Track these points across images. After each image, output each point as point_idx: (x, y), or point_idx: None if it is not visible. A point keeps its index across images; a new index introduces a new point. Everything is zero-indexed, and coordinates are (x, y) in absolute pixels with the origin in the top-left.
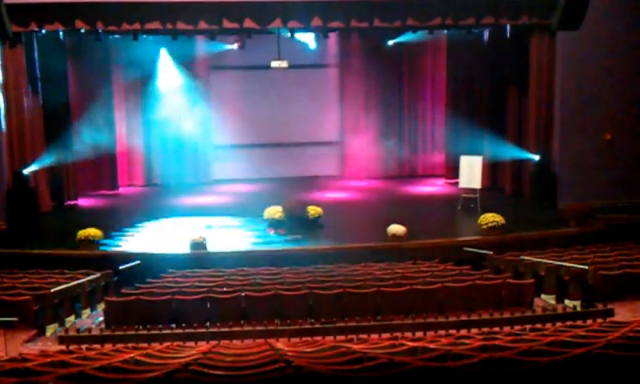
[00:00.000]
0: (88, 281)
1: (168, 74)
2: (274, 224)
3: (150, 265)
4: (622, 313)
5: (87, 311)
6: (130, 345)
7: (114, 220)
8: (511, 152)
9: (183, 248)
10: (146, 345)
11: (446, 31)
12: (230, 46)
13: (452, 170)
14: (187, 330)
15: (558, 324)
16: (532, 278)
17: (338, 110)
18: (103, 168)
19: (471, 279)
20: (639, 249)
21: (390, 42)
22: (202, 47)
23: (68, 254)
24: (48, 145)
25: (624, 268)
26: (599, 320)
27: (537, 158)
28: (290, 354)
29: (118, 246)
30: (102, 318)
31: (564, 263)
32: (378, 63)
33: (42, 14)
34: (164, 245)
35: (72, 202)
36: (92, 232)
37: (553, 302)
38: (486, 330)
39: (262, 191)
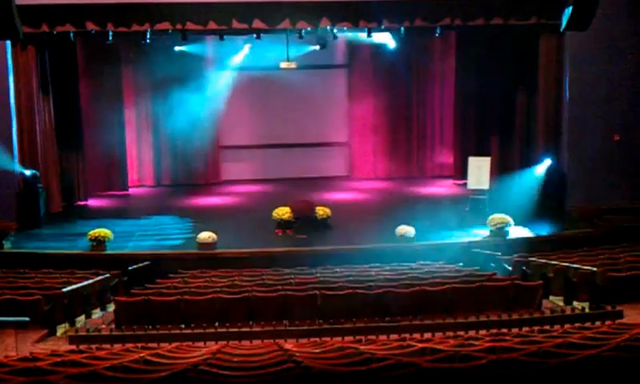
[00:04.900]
0: (98, 281)
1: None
2: (283, 225)
3: (159, 265)
4: (631, 315)
5: (97, 311)
6: (139, 345)
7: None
8: (519, 153)
9: (192, 249)
10: (155, 345)
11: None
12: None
13: (460, 171)
14: (196, 331)
15: (567, 326)
16: (540, 280)
17: (346, 110)
18: (113, 168)
19: (479, 280)
20: None
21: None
22: (212, 48)
23: (78, 254)
24: (58, 145)
25: (633, 270)
26: (608, 322)
27: (545, 159)
28: (298, 354)
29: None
30: (111, 318)
31: (572, 264)
32: (386, 64)
33: (52, 15)
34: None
35: (82, 203)
36: (102, 232)
37: (561, 303)
38: (494, 331)
39: (270, 192)
